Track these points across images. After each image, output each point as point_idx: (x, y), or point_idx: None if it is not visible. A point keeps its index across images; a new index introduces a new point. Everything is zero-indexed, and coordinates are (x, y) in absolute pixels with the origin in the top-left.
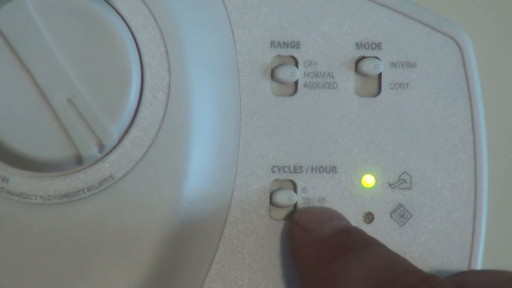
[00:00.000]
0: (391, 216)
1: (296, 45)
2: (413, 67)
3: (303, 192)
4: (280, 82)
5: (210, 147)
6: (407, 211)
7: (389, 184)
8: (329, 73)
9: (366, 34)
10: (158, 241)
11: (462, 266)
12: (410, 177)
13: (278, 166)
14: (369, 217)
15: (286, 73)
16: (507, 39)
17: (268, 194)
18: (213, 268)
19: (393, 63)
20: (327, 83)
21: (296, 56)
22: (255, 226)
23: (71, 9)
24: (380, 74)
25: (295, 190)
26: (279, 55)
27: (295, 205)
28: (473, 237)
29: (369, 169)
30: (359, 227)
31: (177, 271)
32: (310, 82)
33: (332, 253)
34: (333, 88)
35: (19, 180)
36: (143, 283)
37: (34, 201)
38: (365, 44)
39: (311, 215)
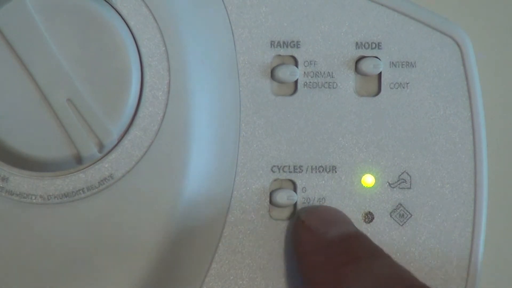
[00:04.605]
0: (391, 216)
1: (296, 44)
2: (413, 66)
3: (303, 192)
4: (280, 82)
5: (210, 146)
6: (407, 210)
7: (389, 184)
8: (329, 72)
9: (366, 34)
10: (158, 241)
11: (462, 266)
12: (410, 176)
13: (278, 166)
14: (369, 217)
15: (286, 73)
16: (507, 39)
17: (268, 193)
18: (213, 268)
19: (393, 62)
20: (327, 82)
21: (296, 55)
22: (255, 226)
23: (71, 9)
24: (380, 74)
25: (295, 190)
26: (279, 55)
27: (295, 204)
28: (473, 237)
29: (369, 168)
30: (359, 227)
31: (177, 271)
32: (310, 82)
33: (341, 258)
34: (333, 88)
35: (19, 180)
36: (143, 283)
37: (34, 201)
38: (365, 44)
39: (317, 215)
